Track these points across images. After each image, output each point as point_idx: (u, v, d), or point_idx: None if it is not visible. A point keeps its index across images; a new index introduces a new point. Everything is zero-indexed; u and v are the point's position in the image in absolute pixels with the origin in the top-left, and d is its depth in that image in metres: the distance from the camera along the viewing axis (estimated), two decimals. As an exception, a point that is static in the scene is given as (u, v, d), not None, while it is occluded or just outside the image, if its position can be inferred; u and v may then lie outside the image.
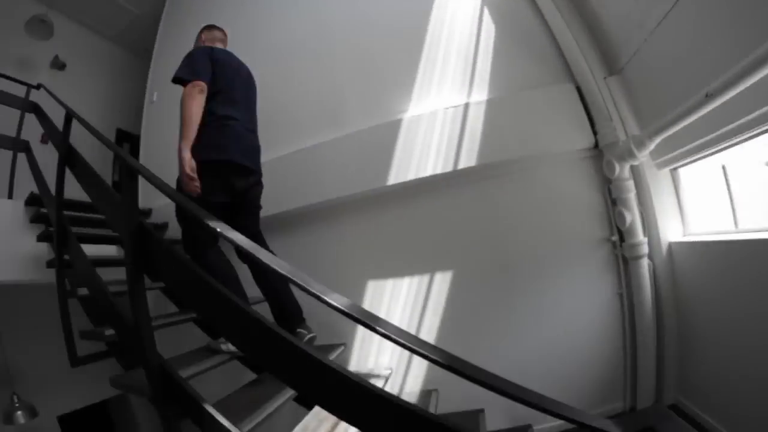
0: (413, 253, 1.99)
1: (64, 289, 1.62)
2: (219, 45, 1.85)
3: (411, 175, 1.95)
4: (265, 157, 1.81)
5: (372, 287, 2.01)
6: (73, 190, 1.61)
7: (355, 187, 2.05)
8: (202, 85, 1.53)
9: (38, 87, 2.44)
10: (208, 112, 1.55)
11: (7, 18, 3.26)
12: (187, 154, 1.45)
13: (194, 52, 1.69)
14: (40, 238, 1.86)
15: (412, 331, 1.83)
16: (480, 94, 2.02)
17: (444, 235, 1.98)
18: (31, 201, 1.90)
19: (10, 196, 2.12)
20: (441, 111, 1.99)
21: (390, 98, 2.16)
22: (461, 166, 1.90)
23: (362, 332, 1.94)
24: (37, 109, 2.29)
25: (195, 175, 1.45)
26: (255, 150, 1.73)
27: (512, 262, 1.92)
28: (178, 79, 1.56)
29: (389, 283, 1.99)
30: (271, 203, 1.92)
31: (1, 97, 2.17)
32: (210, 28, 1.91)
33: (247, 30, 2.68)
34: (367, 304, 1.96)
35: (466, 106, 1.97)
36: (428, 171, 1.93)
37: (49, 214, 1.78)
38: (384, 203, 2.07)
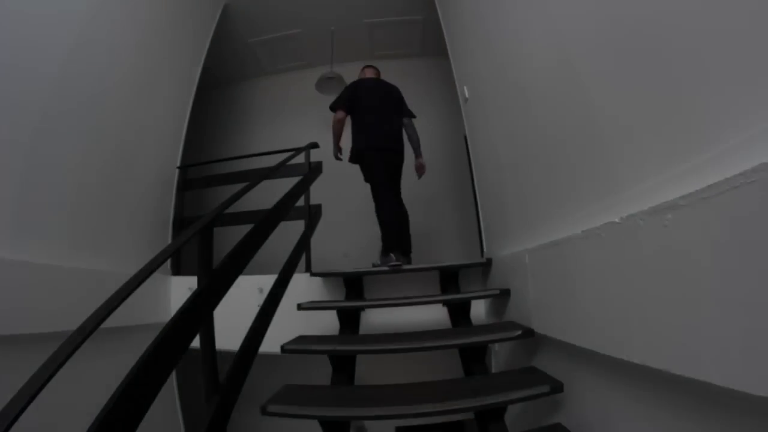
0: None
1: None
2: (368, 74, 2.88)
3: None
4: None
5: None
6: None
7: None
8: (339, 113, 2.64)
9: (316, 146, 2.64)
10: (352, 121, 2.65)
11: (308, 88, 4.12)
12: (335, 150, 2.74)
13: (343, 90, 2.79)
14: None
15: None
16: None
17: None
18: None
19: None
20: None
21: None
22: None
23: None
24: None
25: (339, 158, 2.76)
26: (387, 135, 2.57)
27: None
28: (331, 108, 2.70)
29: None
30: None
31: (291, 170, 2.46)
32: (363, 68, 2.96)
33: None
34: None
35: None
36: None
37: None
38: None
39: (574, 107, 1.22)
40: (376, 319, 2.20)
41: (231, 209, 1.39)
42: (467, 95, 2.64)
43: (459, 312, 2.01)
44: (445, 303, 2.10)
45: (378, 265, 2.33)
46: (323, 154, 2.65)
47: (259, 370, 1.59)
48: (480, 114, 2.39)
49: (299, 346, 1.64)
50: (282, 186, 2.03)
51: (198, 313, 1.03)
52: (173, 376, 2.45)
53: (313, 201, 2.59)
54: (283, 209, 1.76)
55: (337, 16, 3.87)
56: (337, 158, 2.76)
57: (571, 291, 1.20)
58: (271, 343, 1.52)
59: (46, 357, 0.66)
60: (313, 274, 2.30)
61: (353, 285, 2.29)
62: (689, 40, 0.76)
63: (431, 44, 4.08)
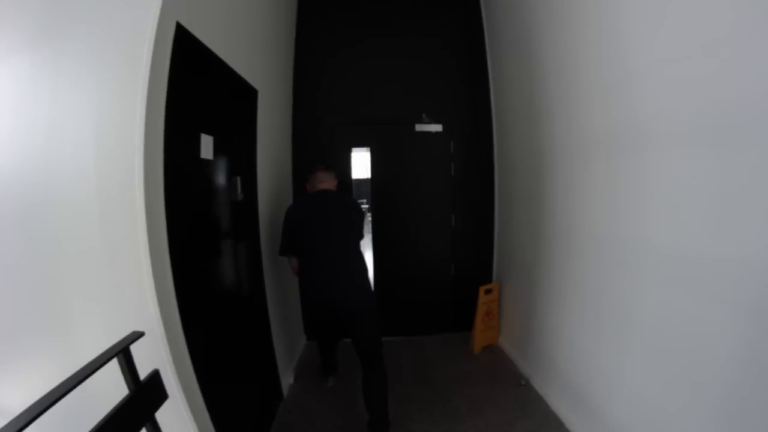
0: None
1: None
2: (322, 186, 1.96)
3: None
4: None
5: None
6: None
7: None
8: (290, 259, 2.01)
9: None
10: (300, 269, 1.94)
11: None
12: None
13: (283, 225, 1.94)
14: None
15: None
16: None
17: None
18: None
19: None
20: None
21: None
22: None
23: None
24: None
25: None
26: (334, 291, 1.79)
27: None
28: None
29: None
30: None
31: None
32: (313, 171, 2.01)
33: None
34: None
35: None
36: None
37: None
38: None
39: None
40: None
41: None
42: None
43: None
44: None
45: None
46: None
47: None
48: None
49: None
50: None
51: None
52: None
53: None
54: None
55: None
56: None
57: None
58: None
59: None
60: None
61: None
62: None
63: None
